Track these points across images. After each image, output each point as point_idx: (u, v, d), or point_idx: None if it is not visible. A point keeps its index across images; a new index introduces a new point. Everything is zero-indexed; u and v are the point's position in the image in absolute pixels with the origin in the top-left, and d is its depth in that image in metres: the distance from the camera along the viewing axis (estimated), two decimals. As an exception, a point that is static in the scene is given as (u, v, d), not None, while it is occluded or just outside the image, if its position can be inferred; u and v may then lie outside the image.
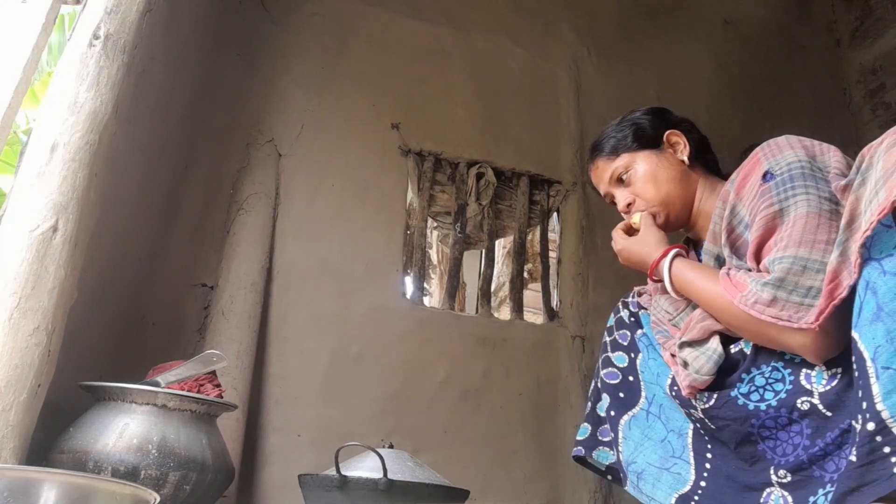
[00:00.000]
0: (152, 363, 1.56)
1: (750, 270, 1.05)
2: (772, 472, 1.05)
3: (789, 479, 1.03)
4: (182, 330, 2.09)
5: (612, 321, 1.43)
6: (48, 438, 1.26)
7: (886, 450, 0.77)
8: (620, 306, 1.43)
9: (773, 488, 1.05)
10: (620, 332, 1.39)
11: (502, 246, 3.45)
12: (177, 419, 1.32)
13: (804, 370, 1.00)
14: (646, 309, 1.37)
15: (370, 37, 2.65)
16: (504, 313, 2.77)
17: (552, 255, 2.78)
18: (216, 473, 1.34)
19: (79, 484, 0.84)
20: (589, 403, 1.42)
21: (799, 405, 1.00)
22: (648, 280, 1.33)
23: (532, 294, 2.85)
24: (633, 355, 1.34)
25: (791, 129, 1.22)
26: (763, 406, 1.04)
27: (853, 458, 0.81)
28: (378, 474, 1.33)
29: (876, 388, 0.77)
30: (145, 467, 1.22)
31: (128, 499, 0.85)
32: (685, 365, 1.13)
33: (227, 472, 1.41)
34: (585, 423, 1.40)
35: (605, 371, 1.37)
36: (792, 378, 1.02)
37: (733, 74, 3.28)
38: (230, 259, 2.14)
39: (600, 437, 1.37)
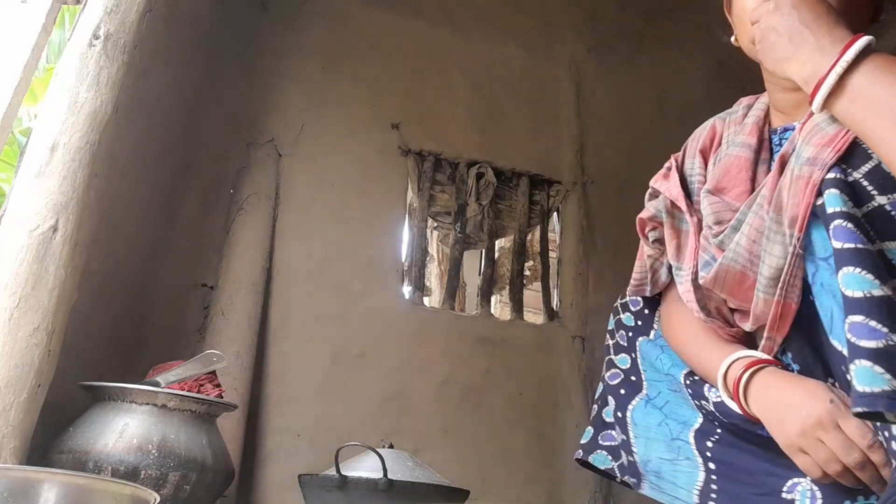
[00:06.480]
0: (152, 363, 1.56)
1: None
2: None
3: None
4: (182, 330, 2.09)
5: (611, 324, 1.41)
6: (48, 438, 1.26)
7: None
8: (620, 308, 1.41)
9: (801, 479, 0.96)
10: (619, 332, 1.38)
11: (502, 246, 3.45)
12: (177, 419, 1.32)
13: None
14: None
15: (370, 37, 2.65)
16: (504, 313, 2.77)
17: (552, 255, 2.78)
18: (216, 473, 1.34)
19: (79, 484, 0.84)
20: (595, 406, 1.39)
21: None
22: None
23: (532, 294, 2.85)
24: (633, 355, 1.33)
25: (791, 128, 1.21)
26: None
27: None
28: (378, 474, 1.33)
29: None
30: (145, 467, 1.22)
31: (128, 499, 0.85)
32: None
33: (227, 473, 1.41)
34: (589, 427, 1.38)
35: (608, 373, 1.35)
36: None
37: (734, 74, 3.27)
38: (230, 259, 2.14)
39: (600, 442, 1.35)
